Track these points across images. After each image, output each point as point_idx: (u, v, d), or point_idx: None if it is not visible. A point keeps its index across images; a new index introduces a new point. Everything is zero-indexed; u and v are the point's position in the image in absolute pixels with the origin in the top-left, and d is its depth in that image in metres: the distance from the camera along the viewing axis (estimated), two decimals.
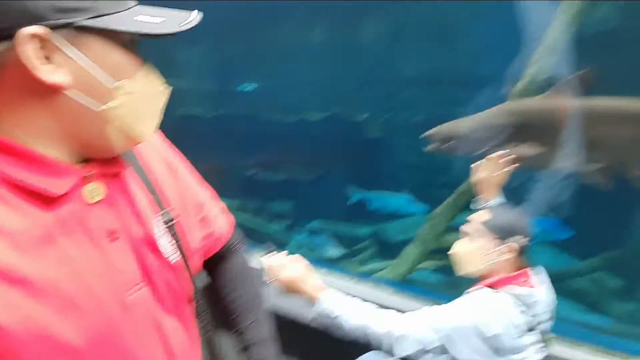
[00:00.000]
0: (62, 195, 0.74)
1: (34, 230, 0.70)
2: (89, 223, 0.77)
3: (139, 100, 0.77)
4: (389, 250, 4.88)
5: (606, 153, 3.39)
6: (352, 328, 1.64)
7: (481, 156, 3.62)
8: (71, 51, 0.69)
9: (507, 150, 2.15)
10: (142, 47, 0.80)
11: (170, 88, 0.84)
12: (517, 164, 2.13)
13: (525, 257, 1.74)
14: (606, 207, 4.01)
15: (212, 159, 7.35)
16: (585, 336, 2.73)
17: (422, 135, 3.75)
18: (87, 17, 0.68)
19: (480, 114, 3.67)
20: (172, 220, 0.94)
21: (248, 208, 6.64)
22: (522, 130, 3.54)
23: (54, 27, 0.66)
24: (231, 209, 1.29)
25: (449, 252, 1.92)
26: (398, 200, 5.45)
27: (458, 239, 1.86)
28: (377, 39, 6.81)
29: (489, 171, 2.16)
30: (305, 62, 6.94)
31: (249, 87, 7.37)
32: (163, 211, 0.92)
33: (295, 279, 1.66)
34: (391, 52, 6.46)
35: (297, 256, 1.72)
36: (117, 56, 0.73)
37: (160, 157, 1.02)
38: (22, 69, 0.67)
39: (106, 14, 0.70)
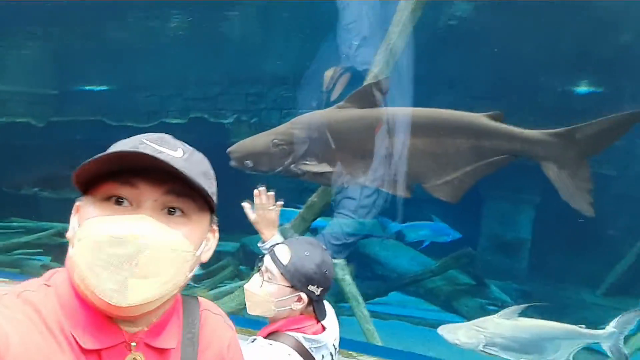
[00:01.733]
0: (100, 353, 0.79)
1: None
2: None
3: (85, 246, 0.75)
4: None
5: (401, 164, 3.42)
6: None
7: (279, 173, 3.60)
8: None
9: (263, 188, 2.05)
10: None
11: (125, 239, 0.75)
12: (281, 202, 2.08)
13: (317, 305, 1.63)
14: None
15: (44, 175, 6.56)
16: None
17: (227, 151, 3.60)
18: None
19: (276, 128, 3.62)
20: None
21: None
22: (315, 143, 3.51)
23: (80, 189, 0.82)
24: None
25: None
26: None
27: None
28: (236, 37, 6.54)
29: (261, 209, 2.04)
30: (160, 61, 6.44)
31: (96, 88, 6.61)
32: None
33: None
34: (254, 51, 6.23)
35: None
36: (89, 208, 0.79)
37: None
38: None
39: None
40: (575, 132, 3.09)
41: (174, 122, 6.69)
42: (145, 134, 0.82)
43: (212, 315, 1.00)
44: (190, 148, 0.84)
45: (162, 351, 0.86)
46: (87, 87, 6.73)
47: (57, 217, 5.86)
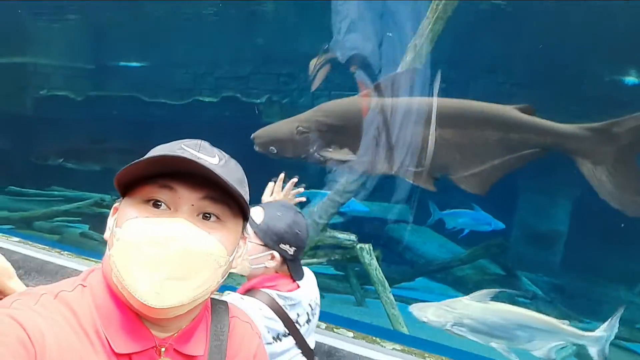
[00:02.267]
0: (131, 356, 0.80)
1: None
2: None
3: (124, 247, 0.77)
4: None
5: (426, 155, 3.36)
6: None
7: (304, 160, 3.61)
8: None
9: (284, 177, 2.02)
10: None
11: (165, 243, 0.77)
12: (301, 189, 2.05)
13: (293, 265, 1.70)
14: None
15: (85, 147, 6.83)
16: None
17: (251, 137, 3.62)
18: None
19: (300, 115, 3.61)
20: None
21: None
22: (339, 131, 3.49)
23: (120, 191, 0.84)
24: None
25: None
26: None
27: None
28: (270, 17, 6.50)
29: (277, 195, 2.08)
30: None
31: (133, 64, 6.71)
32: None
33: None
34: (287, 31, 6.19)
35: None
36: (128, 208, 0.80)
37: None
38: None
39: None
40: (613, 126, 2.94)
41: (206, 100, 6.73)
42: (184, 140, 0.84)
43: (241, 322, 1.00)
44: (226, 155, 0.87)
45: (190, 358, 0.87)
46: (124, 63, 6.82)
47: (94, 187, 6.06)
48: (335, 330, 3.13)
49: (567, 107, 4.42)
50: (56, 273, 3.59)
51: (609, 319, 2.55)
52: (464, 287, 4.80)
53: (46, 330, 0.74)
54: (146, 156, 0.78)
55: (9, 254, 3.57)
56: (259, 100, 6.47)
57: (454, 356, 3.05)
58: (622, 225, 3.67)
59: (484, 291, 2.84)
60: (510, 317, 2.71)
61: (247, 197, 0.84)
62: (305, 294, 1.72)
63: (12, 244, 4.14)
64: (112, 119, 6.46)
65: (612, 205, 3.02)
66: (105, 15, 6.64)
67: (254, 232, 1.69)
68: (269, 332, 1.59)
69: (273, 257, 1.67)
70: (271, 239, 1.66)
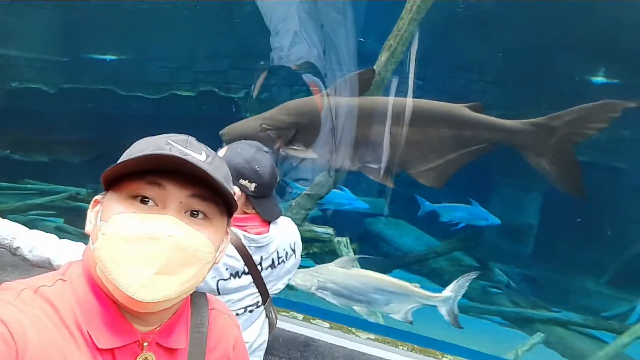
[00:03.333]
0: (117, 350, 0.81)
1: None
2: None
3: (111, 241, 0.76)
4: None
5: (384, 151, 3.56)
6: (36, 260, 1.62)
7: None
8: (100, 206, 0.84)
9: None
10: None
11: (161, 239, 0.77)
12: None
13: (258, 203, 1.70)
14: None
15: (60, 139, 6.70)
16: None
17: (219, 133, 3.73)
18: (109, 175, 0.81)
19: (264, 113, 3.73)
20: None
21: None
22: (300, 129, 3.62)
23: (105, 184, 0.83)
24: None
25: None
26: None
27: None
28: (248, 12, 6.46)
29: None
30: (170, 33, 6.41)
31: (108, 57, 6.60)
32: None
33: None
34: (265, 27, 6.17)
35: None
36: (114, 202, 0.80)
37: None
38: None
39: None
40: (552, 120, 3.21)
41: (184, 94, 6.68)
42: (170, 135, 0.83)
43: (220, 314, 1.01)
44: (212, 152, 0.87)
45: (172, 351, 0.88)
46: (99, 56, 6.71)
47: (69, 181, 5.95)
48: (312, 321, 3.18)
49: (538, 104, 4.55)
50: (33, 268, 3.54)
51: (455, 281, 2.80)
52: (440, 279, 4.91)
53: (27, 325, 0.73)
54: (135, 154, 0.77)
55: None
56: (236, 95, 6.45)
57: (426, 344, 3.14)
58: (579, 219, 3.90)
59: (348, 257, 3.00)
60: (368, 281, 2.95)
61: (231, 193, 0.84)
62: (275, 239, 1.72)
63: None
64: (87, 112, 6.34)
65: (561, 190, 3.31)
66: (82, 8, 6.52)
67: None
68: (227, 269, 1.60)
69: (234, 193, 1.71)
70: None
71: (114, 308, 0.81)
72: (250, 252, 1.65)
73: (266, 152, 1.69)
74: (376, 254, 5.12)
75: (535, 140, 3.26)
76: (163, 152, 0.77)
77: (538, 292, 4.84)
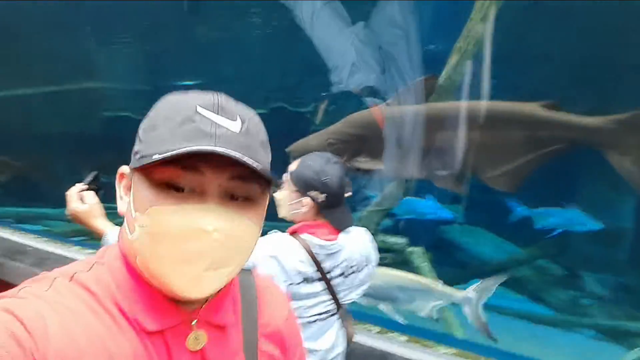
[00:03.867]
0: (167, 331, 0.78)
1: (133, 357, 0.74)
2: None
3: (154, 236, 0.73)
4: None
5: (453, 158, 3.42)
6: None
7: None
8: (131, 186, 0.79)
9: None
10: None
11: (209, 233, 0.73)
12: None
13: (329, 212, 1.78)
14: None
15: None
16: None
17: (286, 150, 3.80)
18: (136, 158, 0.76)
19: (328, 128, 3.73)
20: None
21: None
22: (366, 141, 3.59)
23: (132, 168, 0.77)
24: None
25: None
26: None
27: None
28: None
29: None
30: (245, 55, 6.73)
31: (187, 83, 7.05)
32: None
33: (83, 211, 1.65)
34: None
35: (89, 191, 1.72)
36: (146, 191, 0.74)
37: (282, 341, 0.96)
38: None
39: (147, 155, 0.72)
40: (637, 117, 2.98)
41: (258, 112, 6.95)
42: (198, 96, 0.75)
43: (268, 288, 0.98)
44: (246, 110, 0.78)
45: (221, 328, 0.84)
46: (179, 82, 7.19)
47: None
48: (388, 334, 3.15)
49: (621, 100, 4.20)
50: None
51: (480, 281, 2.67)
52: (523, 289, 4.66)
53: (51, 318, 0.69)
54: (177, 152, 0.68)
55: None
56: (305, 110, 6.61)
57: None
58: None
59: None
60: (391, 280, 2.89)
61: (269, 158, 0.79)
62: (346, 248, 1.78)
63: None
64: None
65: None
66: (161, 38, 7.05)
67: (289, 180, 1.81)
68: (298, 273, 1.67)
69: (305, 204, 1.76)
70: (301, 186, 1.77)
71: (155, 290, 0.77)
72: (320, 259, 1.71)
73: (335, 163, 1.78)
74: (452, 263, 4.97)
75: (619, 139, 3.04)
76: (202, 148, 0.69)
77: (636, 301, 4.43)
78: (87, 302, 0.74)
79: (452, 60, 3.59)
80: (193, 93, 0.76)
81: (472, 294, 2.81)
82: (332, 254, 1.74)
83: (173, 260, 0.72)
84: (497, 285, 2.84)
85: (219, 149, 0.69)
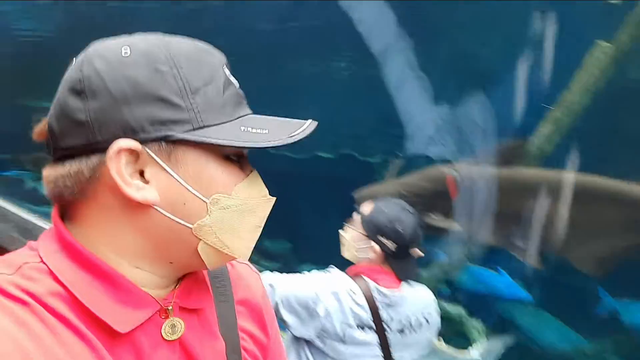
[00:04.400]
0: (136, 331, 0.66)
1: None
2: None
3: (235, 214, 0.69)
4: None
5: (534, 229, 3.19)
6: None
7: None
8: (165, 165, 0.65)
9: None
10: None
11: (274, 198, 0.75)
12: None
13: (396, 262, 1.70)
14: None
15: None
16: None
17: (353, 194, 3.68)
18: (184, 130, 0.64)
19: (405, 178, 3.57)
20: None
21: None
22: (443, 198, 3.40)
23: (149, 140, 0.63)
24: None
25: None
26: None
27: None
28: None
29: None
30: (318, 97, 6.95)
31: None
32: None
33: None
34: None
35: None
36: (214, 170, 0.67)
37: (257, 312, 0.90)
38: (113, 184, 0.63)
39: (205, 126, 0.65)
40: None
41: (325, 156, 7.07)
42: (206, 50, 0.71)
43: (237, 264, 0.91)
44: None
45: (197, 312, 0.76)
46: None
47: None
48: None
49: None
50: None
51: (485, 341, 2.38)
52: None
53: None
54: (220, 105, 0.67)
55: None
56: (374, 160, 6.64)
57: None
58: None
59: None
60: None
61: None
62: (407, 302, 1.70)
63: None
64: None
65: None
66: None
67: (360, 222, 1.76)
68: (353, 316, 1.60)
69: (374, 249, 1.70)
70: (371, 230, 1.72)
71: (119, 276, 0.66)
72: (379, 306, 1.64)
73: (411, 213, 1.74)
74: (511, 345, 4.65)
75: None
76: (297, 132, 0.71)
77: None
78: (22, 317, 0.58)
79: (545, 129, 3.42)
80: (187, 43, 0.70)
81: (476, 356, 2.65)
82: (392, 304, 1.66)
83: (251, 229, 0.73)
84: (503, 349, 2.64)
85: (306, 132, 0.71)
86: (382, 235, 1.70)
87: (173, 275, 0.73)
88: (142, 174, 0.65)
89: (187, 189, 0.66)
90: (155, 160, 0.64)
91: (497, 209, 3.34)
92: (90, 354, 0.61)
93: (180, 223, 0.67)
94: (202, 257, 0.70)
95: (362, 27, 4.43)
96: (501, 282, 4.07)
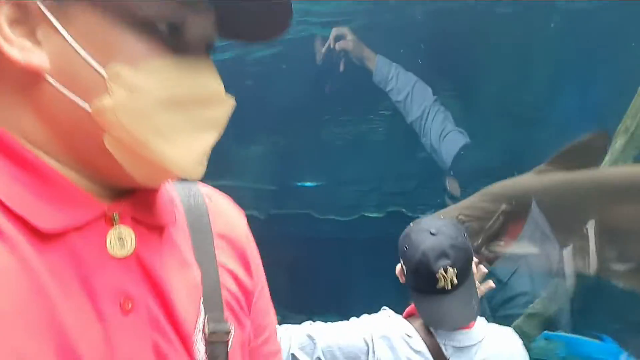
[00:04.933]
0: (72, 234, 0.55)
1: (21, 276, 0.50)
2: (97, 280, 0.55)
3: (151, 103, 0.55)
4: None
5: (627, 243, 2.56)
6: None
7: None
8: (55, 20, 0.52)
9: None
10: None
11: (232, 100, 0.61)
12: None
13: (421, 298, 1.56)
14: None
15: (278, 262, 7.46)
16: None
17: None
18: None
19: (464, 201, 3.08)
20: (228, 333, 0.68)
21: None
22: (510, 219, 2.82)
23: None
24: None
25: None
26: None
27: None
28: None
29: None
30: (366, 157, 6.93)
31: (308, 184, 7.38)
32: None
33: None
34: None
35: None
36: (117, 33, 0.53)
37: (240, 251, 0.79)
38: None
39: None
40: None
41: (372, 215, 6.94)
42: None
43: (217, 196, 0.80)
44: None
45: (158, 229, 0.65)
46: (300, 183, 7.55)
47: None
48: None
49: None
50: None
51: None
52: None
53: None
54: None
55: None
56: (422, 216, 6.43)
57: None
58: None
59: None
60: None
61: None
62: (483, 346, 1.47)
63: None
64: (288, 236, 7.00)
65: None
66: (285, 142, 7.60)
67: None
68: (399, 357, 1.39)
69: (399, 273, 1.69)
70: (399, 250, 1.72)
71: (44, 166, 0.55)
72: (447, 353, 1.42)
73: (438, 231, 1.46)
74: None
75: None
76: None
77: None
78: None
79: (618, 143, 2.93)
80: None
81: None
82: (462, 349, 1.44)
83: (189, 133, 0.57)
84: None
85: None
86: (400, 256, 1.52)
87: (111, 184, 0.60)
88: (31, 36, 0.54)
89: (77, 51, 0.53)
90: (47, 17, 0.53)
91: (588, 223, 2.74)
92: (7, 252, 0.50)
93: (73, 100, 0.54)
94: (118, 160, 0.56)
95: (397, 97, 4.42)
96: (605, 352, 2.92)
